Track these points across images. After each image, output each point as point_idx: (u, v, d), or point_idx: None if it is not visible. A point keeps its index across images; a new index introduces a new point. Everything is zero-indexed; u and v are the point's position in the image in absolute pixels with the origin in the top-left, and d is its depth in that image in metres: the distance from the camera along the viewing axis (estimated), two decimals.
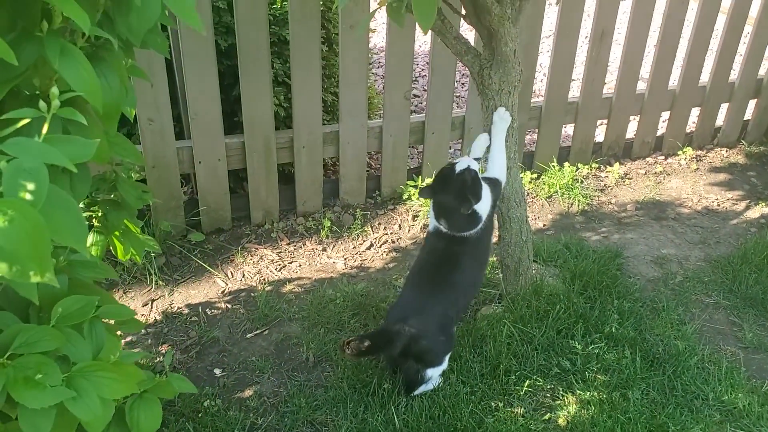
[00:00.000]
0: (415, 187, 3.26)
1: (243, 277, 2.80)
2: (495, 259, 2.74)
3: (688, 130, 3.80)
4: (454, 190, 2.12)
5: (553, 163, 3.50)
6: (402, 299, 2.28)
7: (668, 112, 3.68)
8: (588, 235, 3.12)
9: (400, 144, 3.17)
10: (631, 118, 3.64)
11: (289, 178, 3.13)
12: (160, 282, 2.74)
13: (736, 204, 3.39)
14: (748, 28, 3.60)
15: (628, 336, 2.47)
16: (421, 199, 3.20)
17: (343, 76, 2.88)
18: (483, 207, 2.16)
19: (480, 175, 2.18)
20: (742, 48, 3.67)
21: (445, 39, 2.23)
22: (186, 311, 2.62)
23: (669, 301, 2.68)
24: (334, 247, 3.00)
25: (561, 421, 2.18)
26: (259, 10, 2.60)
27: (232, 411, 2.20)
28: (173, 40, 2.67)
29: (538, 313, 2.52)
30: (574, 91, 3.56)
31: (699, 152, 3.80)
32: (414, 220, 3.16)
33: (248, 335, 2.52)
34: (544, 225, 3.20)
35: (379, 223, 3.15)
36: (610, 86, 3.62)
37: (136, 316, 1.45)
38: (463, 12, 2.20)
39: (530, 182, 3.41)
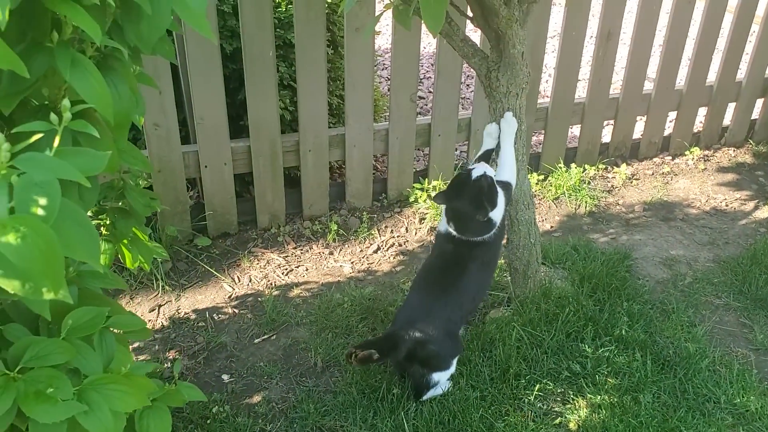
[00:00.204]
0: (422, 189, 3.24)
1: (250, 281, 2.79)
2: (503, 261, 2.72)
3: (695, 130, 3.79)
4: (470, 197, 2.10)
5: (559, 165, 3.48)
6: (409, 303, 2.26)
7: (675, 112, 3.66)
8: (596, 237, 3.10)
9: (407, 146, 3.16)
10: (638, 118, 3.62)
11: (295, 182, 3.12)
12: (167, 287, 2.72)
13: (745, 204, 3.37)
14: (755, 27, 3.58)
15: (638, 338, 2.45)
16: (428, 202, 3.19)
17: (348, 78, 2.87)
18: (497, 213, 2.15)
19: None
20: (749, 47, 3.65)
21: (452, 41, 2.22)
22: (193, 316, 2.61)
23: (679, 303, 2.66)
24: (340, 250, 2.99)
25: (572, 426, 2.17)
26: (265, 13, 2.59)
27: (241, 417, 2.19)
28: (178, 45, 2.66)
29: (547, 316, 2.51)
30: (580, 92, 3.54)
31: (706, 152, 3.78)
32: (421, 222, 3.15)
33: (256, 340, 2.51)
34: (552, 227, 3.18)
35: (386, 226, 3.14)
36: (616, 86, 3.60)
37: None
38: (470, 14, 2.18)
39: (537, 184, 3.39)
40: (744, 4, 3.41)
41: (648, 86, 3.55)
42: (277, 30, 2.79)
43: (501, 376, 2.30)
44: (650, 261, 2.94)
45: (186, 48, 2.56)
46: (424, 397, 2.20)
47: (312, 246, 3.00)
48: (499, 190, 2.15)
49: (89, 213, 1.40)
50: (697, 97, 3.63)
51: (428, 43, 4.90)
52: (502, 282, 2.70)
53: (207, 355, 2.44)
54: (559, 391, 2.28)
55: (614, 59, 3.32)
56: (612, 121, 3.58)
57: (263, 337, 2.52)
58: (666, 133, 3.74)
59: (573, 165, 3.51)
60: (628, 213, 3.29)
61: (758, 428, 2.17)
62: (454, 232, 2.17)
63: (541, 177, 3.46)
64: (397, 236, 3.08)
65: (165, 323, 2.57)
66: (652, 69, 3.54)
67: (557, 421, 2.18)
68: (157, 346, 2.47)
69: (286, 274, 2.84)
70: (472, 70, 4.46)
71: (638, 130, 3.69)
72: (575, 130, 3.58)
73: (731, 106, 3.78)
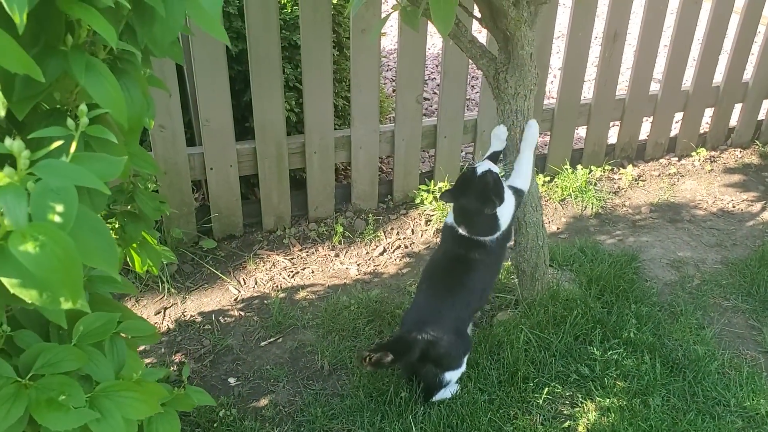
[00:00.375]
0: (428, 191, 3.23)
1: (256, 284, 2.78)
2: (511, 264, 2.71)
3: (701, 131, 3.77)
4: (476, 192, 2.10)
5: (565, 166, 3.47)
6: (417, 303, 2.25)
7: (681, 113, 3.65)
8: (602, 239, 3.08)
9: (413, 148, 3.14)
10: (644, 119, 3.61)
11: (301, 184, 3.11)
12: (173, 290, 2.71)
13: (752, 205, 3.35)
14: (762, 28, 3.57)
15: (646, 341, 2.43)
16: (434, 203, 3.17)
17: (354, 80, 2.86)
18: (505, 212, 2.14)
19: (504, 182, 2.16)
20: (756, 48, 3.63)
21: (459, 43, 2.21)
22: (199, 319, 2.60)
23: (687, 305, 2.65)
24: (346, 252, 2.97)
25: (581, 429, 2.16)
26: (271, 15, 2.57)
27: (248, 421, 2.18)
28: (184, 46, 2.65)
29: (555, 319, 2.49)
30: (586, 93, 3.53)
31: (713, 153, 3.77)
32: (427, 224, 3.13)
33: (262, 343, 2.49)
34: (558, 228, 3.17)
35: (392, 228, 3.12)
36: (622, 87, 3.59)
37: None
38: (479, 15, 2.17)
39: (543, 185, 3.38)
40: (750, 4, 3.40)
41: (654, 87, 3.54)
42: (283, 31, 2.78)
43: (509, 379, 2.29)
44: (658, 263, 2.93)
45: (192, 49, 2.55)
46: (434, 399, 2.19)
47: (318, 248, 2.99)
48: (507, 190, 2.14)
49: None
50: (703, 98, 3.62)
51: (432, 44, 4.89)
52: (510, 284, 2.68)
53: (213, 358, 2.42)
54: (567, 394, 2.27)
55: (620, 60, 3.31)
56: (618, 122, 3.57)
57: (270, 340, 2.50)
58: (672, 134, 3.72)
59: (579, 166, 3.50)
60: (635, 214, 3.28)
61: None
62: (461, 231, 2.16)
63: (547, 178, 3.44)
64: (403, 238, 3.07)
65: (171, 326, 2.56)
66: (659, 70, 3.52)
67: (566, 424, 2.17)
68: (163, 349, 2.46)
69: (292, 277, 2.82)
70: (476, 70, 4.45)
71: (644, 131, 3.68)
72: (581, 131, 3.56)
73: (738, 107, 3.77)
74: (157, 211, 1.49)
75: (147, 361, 2.42)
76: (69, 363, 0.97)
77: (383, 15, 2.64)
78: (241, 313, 2.63)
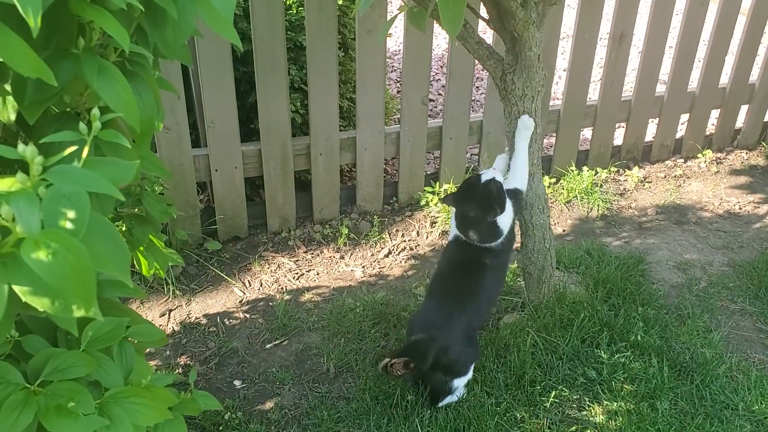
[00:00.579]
0: (433, 193, 3.22)
1: (261, 286, 2.77)
2: (516, 266, 2.70)
3: (707, 133, 3.76)
4: (479, 199, 2.11)
5: (571, 168, 3.46)
6: (426, 310, 2.24)
7: (687, 115, 3.64)
8: (609, 241, 3.07)
9: (418, 150, 3.13)
10: (650, 120, 3.59)
11: (306, 185, 3.10)
12: (177, 292, 2.70)
13: (758, 207, 3.34)
14: None
15: (654, 344, 2.42)
16: (439, 205, 3.16)
17: (359, 81, 2.85)
18: (505, 220, 2.15)
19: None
20: (762, 49, 3.62)
21: (467, 44, 2.19)
22: (204, 321, 2.59)
23: (694, 308, 2.63)
24: (351, 254, 2.96)
25: None
26: (276, 16, 2.56)
27: (253, 424, 2.17)
28: (189, 48, 2.64)
29: (562, 322, 2.48)
30: (592, 94, 3.51)
31: (719, 155, 3.75)
32: (432, 226, 3.12)
33: (267, 346, 2.48)
34: (564, 230, 3.16)
35: (397, 230, 3.11)
36: (628, 89, 3.57)
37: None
38: (486, 16, 2.16)
39: (549, 187, 3.37)
40: (757, 6, 3.38)
41: (660, 88, 3.52)
42: (288, 33, 2.77)
43: (516, 382, 2.28)
44: (664, 265, 2.91)
45: (197, 51, 2.54)
46: (440, 404, 2.18)
47: (323, 250, 2.98)
48: (507, 198, 2.14)
49: None
50: (709, 100, 3.60)
51: (437, 44, 4.88)
52: (516, 287, 2.67)
53: (218, 360, 2.41)
54: (574, 397, 2.26)
55: (627, 61, 3.29)
56: (624, 124, 3.55)
57: (275, 343, 2.49)
58: (678, 135, 3.71)
59: (585, 168, 3.49)
60: (641, 216, 3.26)
61: None
62: (464, 238, 2.16)
63: (553, 180, 3.43)
64: (409, 240, 3.05)
65: (176, 328, 2.55)
66: (665, 71, 3.51)
67: (573, 428, 2.15)
68: (168, 352, 2.45)
69: (297, 279, 2.81)
70: (480, 71, 4.43)
71: (650, 132, 3.67)
72: (587, 132, 3.55)
73: (744, 109, 3.75)
74: (164, 214, 1.48)
75: (152, 363, 2.41)
76: (78, 369, 0.96)
77: (389, 16, 2.65)
78: (247, 315, 2.62)
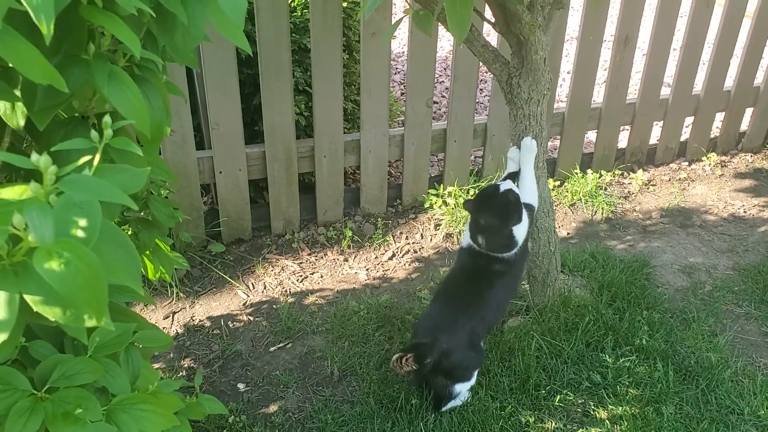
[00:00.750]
0: (437, 195, 3.21)
1: (264, 288, 2.76)
2: None
3: (712, 136, 3.75)
4: (497, 208, 2.12)
5: (575, 170, 3.45)
6: (431, 314, 2.23)
7: (692, 118, 3.63)
8: (613, 244, 3.06)
9: (422, 152, 3.13)
10: (655, 123, 3.58)
11: (310, 188, 3.09)
12: (181, 294, 2.70)
13: (763, 210, 3.33)
14: None
15: (659, 348, 2.41)
16: (443, 207, 3.15)
17: (364, 84, 2.84)
18: (521, 231, 2.15)
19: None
20: (767, 52, 3.61)
21: (472, 47, 2.19)
22: (208, 324, 2.58)
23: (699, 312, 2.62)
24: (355, 257, 2.96)
25: None
26: (281, 18, 2.56)
27: (257, 427, 2.16)
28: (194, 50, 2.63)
29: (567, 325, 2.47)
30: (596, 97, 3.51)
31: (723, 158, 3.74)
32: (436, 229, 3.11)
33: (271, 348, 2.48)
34: (568, 233, 3.15)
35: (401, 233, 3.10)
36: (633, 91, 3.57)
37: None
38: (492, 19, 2.15)
39: (553, 190, 3.36)
40: (762, 9, 3.37)
41: (665, 91, 3.52)
42: (293, 35, 2.76)
43: (521, 386, 2.27)
44: (669, 268, 2.91)
45: (202, 53, 2.54)
46: (444, 408, 2.17)
47: (326, 252, 2.97)
48: (524, 210, 2.15)
49: None
50: (714, 103, 3.59)
51: (440, 47, 4.87)
52: (521, 290, 2.66)
53: (222, 363, 2.41)
54: (579, 402, 2.25)
55: (631, 64, 3.28)
56: (629, 127, 3.54)
57: (279, 346, 2.49)
58: (683, 138, 3.70)
59: (589, 171, 3.48)
60: (645, 219, 3.25)
61: None
62: (478, 247, 2.16)
63: (557, 183, 3.42)
64: (413, 243, 3.05)
65: (179, 330, 2.55)
66: (669, 74, 3.50)
67: None
68: (171, 354, 2.44)
69: (301, 281, 2.81)
70: (484, 74, 4.43)
71: (655, 135, 3.66)
72: (591, 135, 3.54)
73: (749, 112, 3.74)
74: (170, 218, 1.47)
75: (156, 366, 2.41)
76: (85, 375, 0.96)
77: (393, 19, 2.64)
78: (250, 317, 2.61)
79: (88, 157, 0.70)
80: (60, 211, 0.64)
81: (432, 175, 3.33)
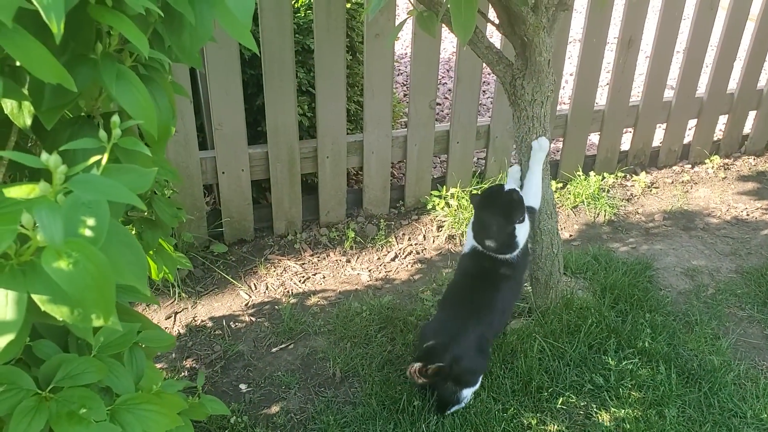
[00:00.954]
0: (440, 197, 3.21)
1: (267, 289, 2.76)
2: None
3: (715, 138, 3.74)
4: (501, 206, 2.13)
5: (578, 172, 3.45)
6: (440, 319, 2.24)
7: (695, 120, 3.63)
8: (616, 246, 3.06)
9: (425, 153, 3.12)
10: (658, 126, 3.58)
11: (312, 188, 3.09)
12: (183, 294, 2.70)
13: (766, 213, 3.32)
14: None
15: (661, 351, 2.41)
16: (446, 209, 3.15)
17: (367, 85, 2.84)
18: (522, 231, 2.16)
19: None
20: None
21: (476, 49, 2.19)
22: (210, 324, 2.58)
23: (702, 315, 2.62)
24: (358, 258, 2.95)
25: None
26: (284, 19, 2.56)
27: (259, 428, 2.16)
28: None
29: (569, 328, 2.47)
30: (599, 99, 3.50)
31: (726, 160, 3.74)
32: (439, 230, 3.11)
33: (273, 349, 2.48)
34: (571, 235, 3.15)
35: (404, 234, 3.10)
36: (636, 94, 3.57)
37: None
38: (496, 21, 2.15)
39: (555, 192, 3.36)
40: (766, 12, 3.37)
41: (668, 94, 3.51)
42: (296, 36, 2.76)
43: (523, 388, 2.27)
44: (672, 271, 2.90)
45: (205, 53, 2.54)
46: (448, 412, 2.17)
47: (329, 253, 2.97)
48: (527, 211, 2.16)
49: None
50: (717, 105, 3.59)
51: (443, 48, 4.87)
52: (523, 292, 2.66)
53: (224, 363, 2.41)
54: (582, 404, 2.25)
55: (635, 66, 3.28)
56: (631, 129, 3.54)
57: (281, 346, 2.48)
58: (686, 141, 3.70)
59: (592, 173, 3.48)
60: (648, 222, 3.25)
61: None
62: (481, 248, 2.16)
63: (560, 185, 3.42)
64: (415, 244, 3.05)
65: (181, 331, 2.55)
66: (673, 76, 3.50)
67: None
68: (174, 354, 2.44)
69: (303, 282, 2.81)
70: (486, 76, 4.42)
71: (658, 137, 3.65)
72: (594, 137, 3.54)
73: (752, 115, 3.74)
74: (174, 218, 1.47)
75: (158, 366, 2.41)
76: (90, 375, 0.95)
77: (397, 20, 2.64)
78: (252, 318, 2.61)
79: (97, 157, 0.69)
80: (68, 210, 0.63)
81: (435, 176, 3.33)
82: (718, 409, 2.22)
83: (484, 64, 2.39)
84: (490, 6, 2.12)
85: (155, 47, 0.91)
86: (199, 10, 0.84)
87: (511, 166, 2.38)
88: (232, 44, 2.55)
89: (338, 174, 3.00)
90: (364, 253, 2.98)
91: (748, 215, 3.31)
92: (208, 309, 2.65)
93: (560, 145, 3.47)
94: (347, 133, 2.95)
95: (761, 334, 2.59)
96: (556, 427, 2.16)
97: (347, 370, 2.37)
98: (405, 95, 4.18)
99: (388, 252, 2.99)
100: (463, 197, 3.18)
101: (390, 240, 3.05)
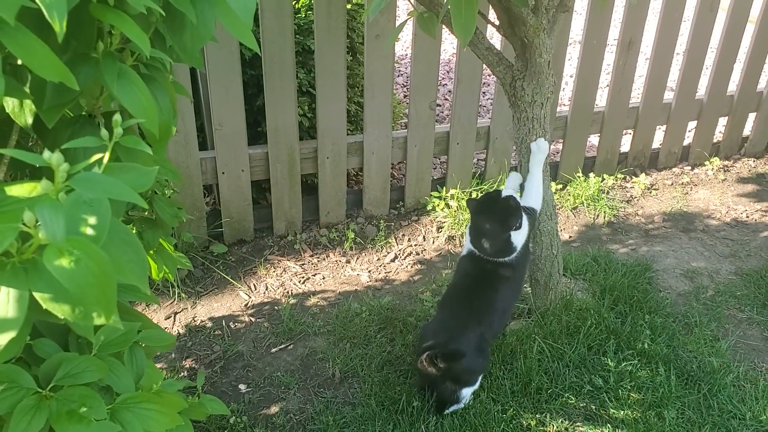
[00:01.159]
0: (440, 198, 3.21)
1: (266, 289, 2.76)
2: None
3: (714, 140, 3.75)
4: (498, 212, 2.13)
5: (578, 174, 3.45)
6: (440, 319, 2.24)
7: (695, 122, 3.63)
8: (615, 248, 3.06)
9: (425, 154, 3.13)
10: (658, 127, 3.58)
11: (312, 189, 3.09)
12: (183, 294, 2.70)
13: (766, 215, 3.33)
14: None
15: (661, 352, 2.41)
16: (445, 210, 3.15)
17: (368, 86, 2.84)
18: (519, 237, 2.16)
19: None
20: None
21: (476, 50, 2.19)
22: (209, 325, 2.58)
23: (701, 317, 2.62)
24: (357, 259, 2.96)
25: None
26: (285, 19, 2.56)
27: (258, 428, 2.16)
28: None
29: (569, 329, 2.47)
30: (599, 100, 3.51)
31: (726, 162, 3.74)
32: (438, 231, 3.11)
33: (273, 350, 2.48)
34: (570, 237, 3.15)
35: (403, 235, 3.10)
36: (636, 95, 3.57)
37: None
38: (496, 22, 2.15)
39: (555, 193, 3.36)
40: (766, 14, 3.37)
41: (668, 95, 3.52)
42: (297, 36, 2.77)
43: (522, 389, 2.27)
44: (671, 273, 2.90)
45: (205, 53, 2.54)
46: (446, 411, 2.17)
47: (329, 254, 2.97)
48: (523, 214, 2.16)
49: None
50: (717, 107, 3.60)
51: (443, 49, 4.87)
52: (523, 293, 2.66)
53: (224, 364, 2.41)
54: (581, 405, 2.25)
55: (635, 68, 3.28)
56: (631, 131, 3.55)
57: (280, 347, 2.48)
58: (686, 143, 3.70)
59: (591, 174, 3.48)
60: (648, 223, 3.25)
61: None
62: (478, 252, 2.17)
63: (560, 186, 3.42)
64: (415, 245, 3.05)
65: (181, 331, 2.55)
66: (673, 78, 3.50)
67: None
68: (173, 354, 2.44)
69: (303, 282, 2.81)
70: (486, 77, 4.43)
71: (658, 139, 3.66)
72: (594, 139, 3.54)
73: (751, 117, 3.74)
74: (174, 217, 1.47)
75: (158, 366, 2.41)
76: (90, 374, 0.96)
77: (397, 21, 2.64)
78: (252, 318, 2.61)
79: (99, 155, 0.70)
80: (70, 208, 0.64)
81: (435, 177, 3.33)
82: (718, 411, 2.22)
83: (485, 66, 2.39)
84: (491, 7, 2.12)
85: (156, 46, 0.91)
86: (201, 10, 0.84)
87: (511, 168, 2.37)
88: (233, 44, 2.55)
89: (338, 175, 3.00)
90: (363, 254, 2.98)
91: (747, 217, 3.32)
92: (207, 309, 2.65)
93: (560, 146, 3.48)
94: (347, 134, 2.95)
95: (760, 335, 2.59)
96: (555, 428, 2.16)
97: (347, 371, 2.37)
98: (405, 96, 4.18)
99: (388, 253, 2.99)
100: (462, 198, 3.19)
101: (390, 241, 3.05)
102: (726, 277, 2.89)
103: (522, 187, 2.32)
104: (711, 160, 3.70)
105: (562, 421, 2.19)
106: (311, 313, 2.64)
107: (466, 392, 2.15)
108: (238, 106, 2.67)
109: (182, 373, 2.36)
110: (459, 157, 3.21)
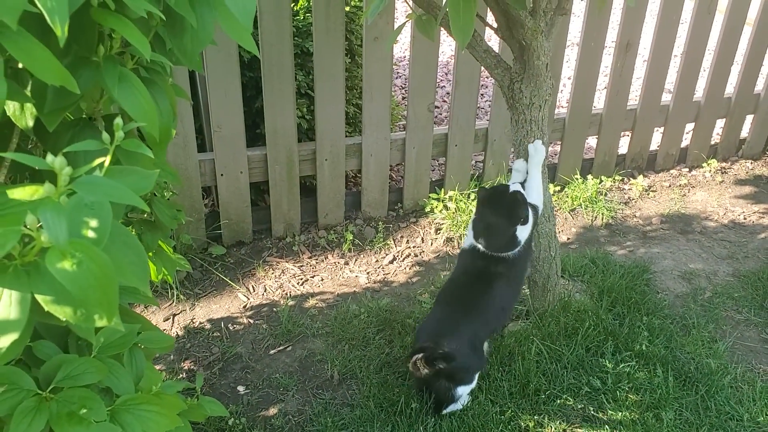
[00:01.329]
0: (438, 199, 3.22)
1: (265, 291, 2.76)
2: None
3: (712, 142, 3.76)
4: (506, 206, 2.13)
5: (576, 176, 3.46)
6: (434, 317, 2.24)
7: (693, 124, 3.64)
8: (613, 249, 3.07)
9: (423, 156, 3.13)
10: (655, 129, 3.59)
11: (311, 191, 3.09)
12: (181, 296, 2.70)
13: (763, 217, 3.34)
14: None
15: (658, 354, 2.42)
16: (444, 212, 3.16)
17: (366, 88, 2.85)
18: (524, 232, 2.16)
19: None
20: None
21: (474, 52, 2.20)
22: (208, 326, 2.58)
23: (699, 318, 2.63)
24: (356, 260, 2.96)
25: None
26: (283, 22, 2.57)
27: (257, 430, 2.16)
28: None
29: (567, 330, 2.48)
30: (597, 103, 3.52)
31: (723, 164, 3.75)
32: (437, 233, 3.12)
33: (271, 351, 2.48)
34: (568, 238, 3.16)
35: (402, 236, 3.11)
36: (634, 97, 3.58)
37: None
38: (494, 24, 2.16)
39: (553, 195, 3.36)
40: (763, 16, 3.39)
41: (666, 98, 3.53)
42: (296, 38, 2.77)
43: (520, 390, 2.27)
44: (669, 274, 2.91)
45: (204, 56, 2.54)
46: (444, 411, 2.17)
47: (327, 256, 2.98)
48: (529, 208, 2.16)
49: None
50: (715, 109, 3.61)
51: (442, 52, 4.88)
52: (521, 295, 2.66)
53: (222, 365, 2.41)
54: (579, 407, 2.25)
55: (632, 70, 3.29)
56: (629, 133, 3.55)
57: (279, 348, 2.49)
58: (683, 144, 3.71)
59: (589, 176, 3.49)
60: (646, 225, 3.26)
61: None
62: (481, 247, 2.16)
63: (558, 188, 3.43)
64: (413, 247, 3.05)
65: (180, 333, 2.55)
66: (670, 80, 3.51)
67: None
68: (172, 356, 2.45)
69: (302, 284, 2.81)
70: (485, 79, 4.44)
71: (655, 141, 3.67)
72: (591, 141, 3.55)
73: (749, 119, 3.75)
74: (173, 219, 1.48)
75: (156, 368, 2.41)
76: (90, 375, 0.96)
77: (396, 23, 2.65)
78: (250, 320, 2.61)
79: (101, 159, 0.70)
80: (72, 211, 0.64)
81: (433, 179, 3.33)
82: (715, 412, 2.23)
83: (483, 68, 2.40)
84: (489, 10, 2.13)
85: (156, 50, 0.91)
86: (200, 13, 0.85)
87: (511, 166, 2.37)
88: (232, 47, 2.55)
89: (337, 176, 3.01)
90: (362, 256, 2.99)
91: (745, 219, 3.33)
92: (206, 311, 2.66)
93: (558, 148, 3.48)
94: (346, 136, 2.96)
95: (758, 337, 2.60)
96: (553, 429, 2.17)
97: (345, 372, 2.37)
98: (403, 98, 4.19)
99: (387, 254, 3.00)
100: (461, 200, 3.19)
101: (388, 242, 3.06)
102: (723, 279, 2.90)
103: (523, 186, 2.32)
104: (708, 162, 3.71)
105: (560, 423, 2.19)
106: (310, 314, 2.64)
107: (462, 390, 2.15)
108: (236, 108, 2.68)
109: (181, 375, 2.37)
110: (457, 159, 3.21)
